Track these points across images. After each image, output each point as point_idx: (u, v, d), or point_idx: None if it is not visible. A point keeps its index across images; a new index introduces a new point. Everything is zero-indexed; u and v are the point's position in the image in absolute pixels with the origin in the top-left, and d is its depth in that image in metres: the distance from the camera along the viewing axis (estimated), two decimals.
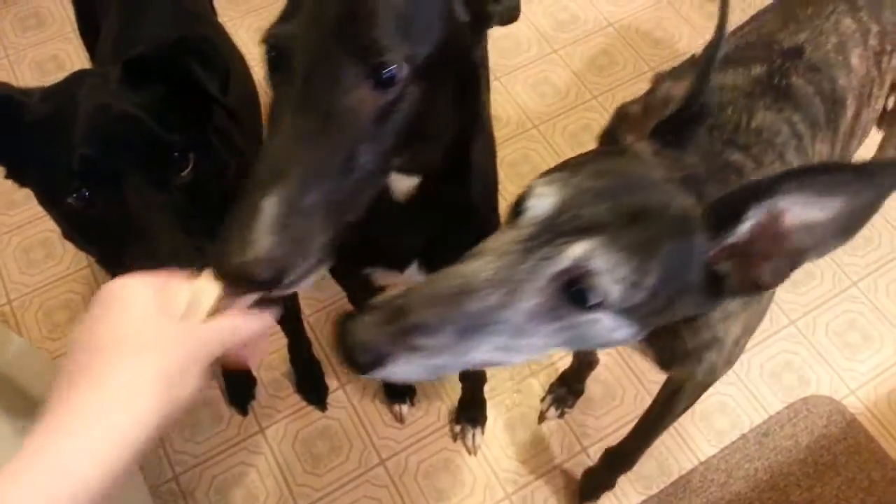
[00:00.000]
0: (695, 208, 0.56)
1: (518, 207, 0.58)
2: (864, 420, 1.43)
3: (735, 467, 1.38)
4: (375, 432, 1.45)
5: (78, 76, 0.81)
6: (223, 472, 1.41)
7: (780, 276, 0.54)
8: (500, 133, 1.79)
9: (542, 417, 1.46)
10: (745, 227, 0.54)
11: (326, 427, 1.46)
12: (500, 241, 0.56)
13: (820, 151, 0.91)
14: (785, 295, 1.57)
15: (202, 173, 0.79)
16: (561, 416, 1.46)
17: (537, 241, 0.54)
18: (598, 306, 0.54)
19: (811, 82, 0.91)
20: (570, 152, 1.62)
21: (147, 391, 0.41)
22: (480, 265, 0.55)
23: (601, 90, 1.88)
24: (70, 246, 0.86)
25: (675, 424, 1.39)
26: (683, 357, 0.84)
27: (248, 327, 0.48)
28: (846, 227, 0.50)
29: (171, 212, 0.73)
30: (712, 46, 0.60)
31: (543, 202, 0.56)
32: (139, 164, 0.73)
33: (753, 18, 1.05)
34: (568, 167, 0.59)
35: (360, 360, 0.52)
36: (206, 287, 0.47)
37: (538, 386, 1.50)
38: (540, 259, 0.54)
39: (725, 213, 0.54)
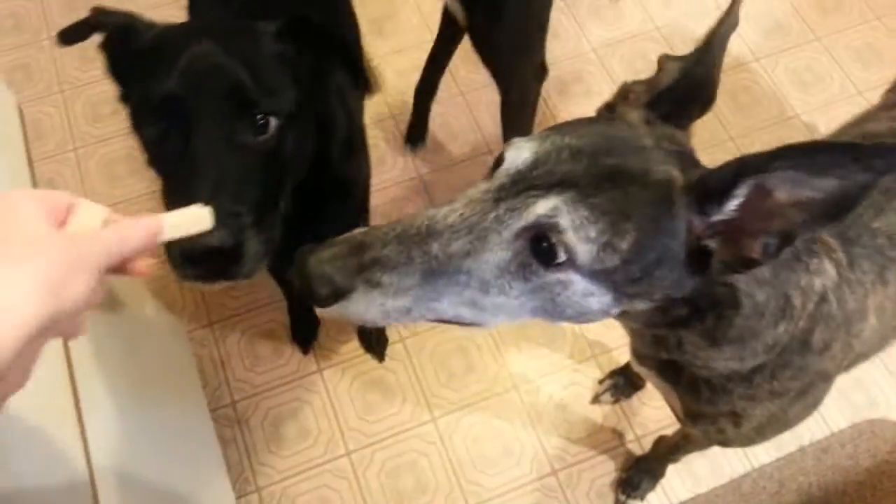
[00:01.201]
0: (680, 178, 0.54)
1: (497, 161, 0.57)
2: None
3: (789, 479, 1.36)
4: (430, 389, 1.46)
5: (203, 25, 0.82)
6: (279, 406, 1.44)
7: (770, 255, 0.52)
8: None
9: (595, 399, 1.45)
10: (733, 203, 0.52)
11: (382, 377, 1.47)
12: (473, 191, 0.56)
13: None
14: None
15: (285, 146, 0.79)
16: (615, 402, 1.45)
17: (507, 192, 0.54)
18: (567, 265, 0.52)
19: None
20: None
21: (25, 298, 0.40)
22: (448, 210, 0.54)
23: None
24: None
25: None
26: (701, 417, 0.83)
27: (136, 236, 0.48)
28: (838, 209, 0.48)
29: (228, 170, 0.73)
30: (720, 24, 0.58)
31: (519, 155, 0.55)
32: (217, 114, 0.74)
33: None
34: (555, 128, 0.58)
35: (318, 292, 0.52)
36: (93, 207, 0.48)
37: (598, 369, 1.49)
38: (507, 210, 0.53)
39: (714, 188, 0.52)
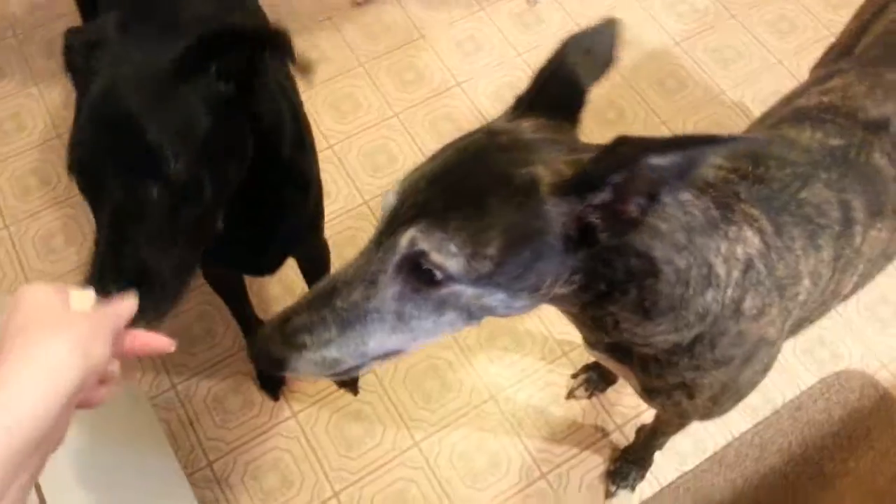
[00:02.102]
0: (547, 176, 0.58)
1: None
2: None
3: (769, 442, 1.39)
4: (408, 414, 1.45)
5: (116, 48, 0.79)
6: (257, 458, 1.40)
7: (645, 210, 0.57)
8: None
9: (570, 394, 1.46)
10: (609, 188, 0.57)
11: (359, 411, 1.45)
12: (365, 245, 0.63)
13: (874, 239, 0.84)
14: None
15: (201, 180, 0.76)
16: (590, 396, 1.46)
17: (384, 234, 0.60)
18: (447, 280, 0.58)
19: (893, 163, 0.84)
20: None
21: (68, 360, 0.47)
22: (346, 267, 0.62)
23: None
24: None
25: None
26: (656, 391, 0.85)
27: (127, 309, 0.58)
28: (683, 173, 0.54)
29: (130, 225, 0.73)
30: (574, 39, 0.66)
31: (390, 197, 0.62)
32: (118, 168, 0.72)
33: (838, 71, 0.98)
34: (426, 161, 0.64)
35: (266, 366, 0.64)
36: (85, 293, 0.58)
37: (570, 366, 1.50)
38: (385, 251, 0.60)
39: (593, 180, 0.57)
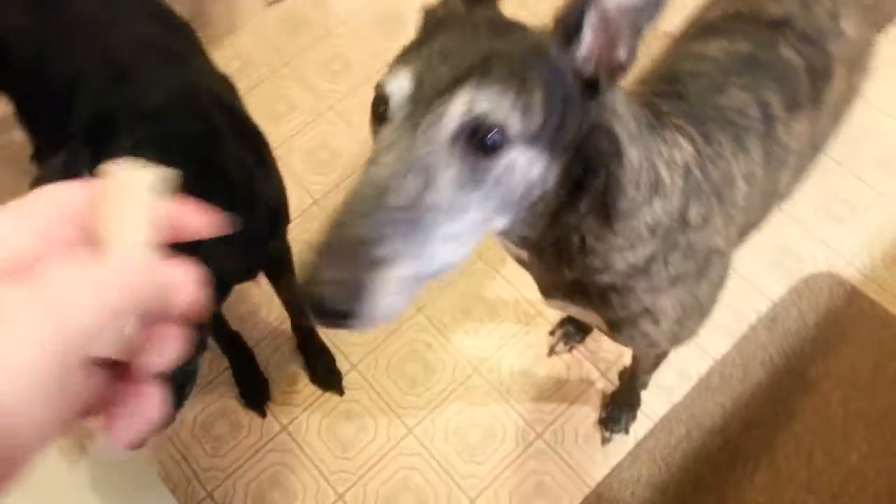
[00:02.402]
0: (544, 36, 0.60)
1: (380, 106, 0.57)
2: (864, 287, 1.46)
3: (750, 358, 1.41)
4: (397, 403, 1.45)
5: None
6: (256, 478, 1.40)
7: (633, 53, 0.59)
8: None
9: (551, 351, 1.47)
10: (587, 34, 0.59)
11: (348, 410, 1.45)
12: (385, 138, 0.55)
13: (798, 132, 0.88)
14: None
15: None
16: (570, 350, 1.46)
17: (416, 115, 0.54)
18: (506, 144, 0.55)
19: (800, 54, 0.87)
20: None
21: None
22: (378, 167, 0.53)
23: None
24: None
25: None
26: (621, 324, 0.85)
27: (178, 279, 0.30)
28: (651, 12, 0.57)
29: None
30: None
31: (400, 83, 0.56)
32: None
33: None
34: (402, 56, 0.60)
35: (340, 308, 0.47)
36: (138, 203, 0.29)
37: (547, 324, 1.50)
38: (427, 128, 0.53)
39: (570, 24, 0.59)
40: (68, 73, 1.04)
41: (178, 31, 1.22)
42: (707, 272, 0.82)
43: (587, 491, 1.35)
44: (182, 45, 1.17)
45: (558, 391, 1.45)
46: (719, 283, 0.87)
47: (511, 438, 1.41)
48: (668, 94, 0.83)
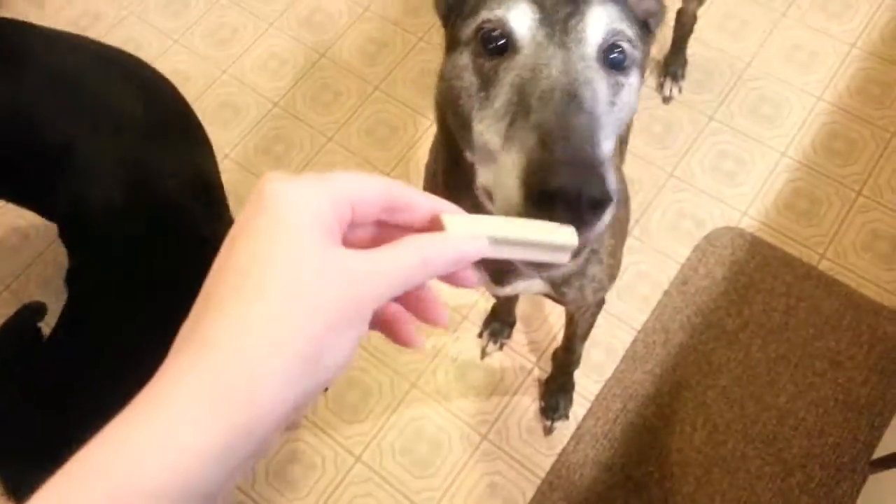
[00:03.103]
0: None
1: (493, 40, 0.55)
2: (763, 234, 1.53)
3: (669, 322, 1.45)
4: (340, 433, 1.45)
5: None
6: None
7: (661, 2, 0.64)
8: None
9: (483, 353, 1.49)
10: None
11: (293, 451, 1.44)
12: (527, 67, 0.53)
13: None
14: (655, 152, 1.64)
15: None
16: (501, 347, 1.49)
17: (557, 38, 0.54)
18: (631, 63, 0.57)
19: None
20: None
21: (276, 378, 0.28)
22: (552, 80, 0.51)
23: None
24: None
25: (606, 307, 1.45)
26: (570, 278, 0.85)
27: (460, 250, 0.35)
28: None
29: None
30: None
31: (522, 9, 0.55)
32: None
33: None
34: None
35: (597, 195, 0.44)
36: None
37: (474, 326, 1.52)
38: (577, 47, 0.54)
39: None
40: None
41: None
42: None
43: (538, 482, 1.37)
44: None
45: (496, 389, 1.46)
46: (626, 201, 0.91)
47: (458, 445, 1.42)
48: None
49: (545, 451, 1.40)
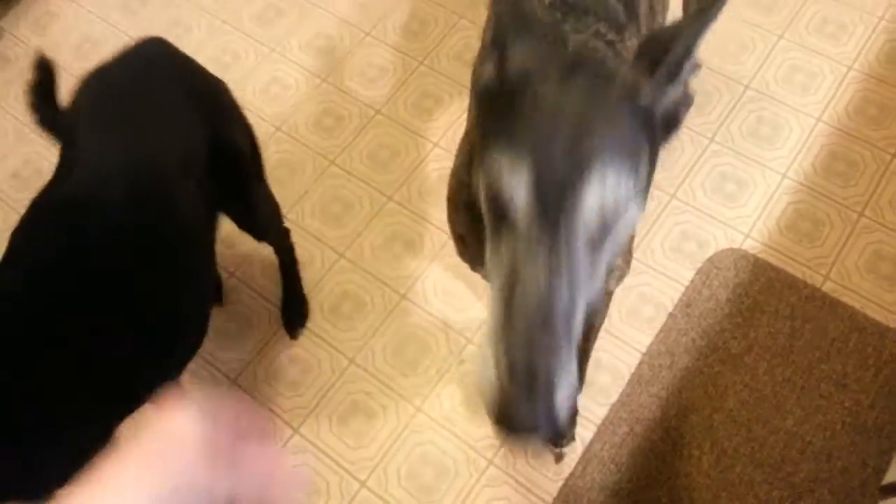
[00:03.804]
0: (632, 74, 0.60)
1: (499, 204, 0.56)
2: (766, 256, 1.53)
3: (674, 345, 1.45)
4: (345, 458, 1.43)
5: None
6: None
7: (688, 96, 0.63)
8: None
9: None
10: (685, 77, 0.62)
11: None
12: (521, 247, 0.55)
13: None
14: (656, 175, 1.65)
15: None
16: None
17: (549, 219, 0.54)
18: (624, 212, 0.57)
19: None
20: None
21: None
22: (531, 282, 0.54)
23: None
24: None
25: (611, 330, 1.44)
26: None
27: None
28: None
29: None
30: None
31: (520, 179, 0.55)
32: None
33: None
34: (501, 127, 0.58)
35: (555, 434, 0.57)
36: None
37: (477, 348, 1.52)
38: (567, 234, 0.54)
39: (664, 67, 0.60)
40: None
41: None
42: None
43: None
44: None
45: None
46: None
47: (464, 470, 1.41)
48: None
49: (552, 476, 1.39)
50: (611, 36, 0.83)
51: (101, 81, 1.11)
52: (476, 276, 1.51)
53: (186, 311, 1.06)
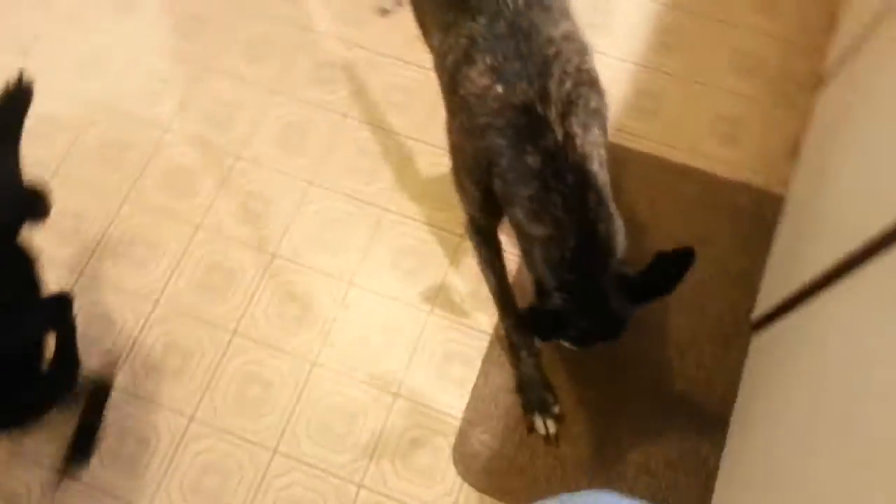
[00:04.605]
0: None
1: None
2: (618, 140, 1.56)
3: None
4: (249, 431, 1.39)
5: None
6: None
7: None
8: None
9: (530, 429, 1.37)
10: None
11: (208, 464, 1.37)
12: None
13: None
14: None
15: None
16: (554, 422, 1.38)
17: None
18: None
19: None
20: None
21: None
22: None
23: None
24: None
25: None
26: None
27: None
28: None
29: None
30: None
31: None
32: None
33: None
34: None
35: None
36: None
37: (360, 292, 1.49)
38: None
39: None
40: None
41: None
42: None
43: (458, 424, 1.38)
44: None
45: (397, 347, 1.44)
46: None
47: (374, 417, 1.40)
48: None
49: (460, 392, 1.40)
50: None
51: None
52: (337, 217, 1.47)
53: None
